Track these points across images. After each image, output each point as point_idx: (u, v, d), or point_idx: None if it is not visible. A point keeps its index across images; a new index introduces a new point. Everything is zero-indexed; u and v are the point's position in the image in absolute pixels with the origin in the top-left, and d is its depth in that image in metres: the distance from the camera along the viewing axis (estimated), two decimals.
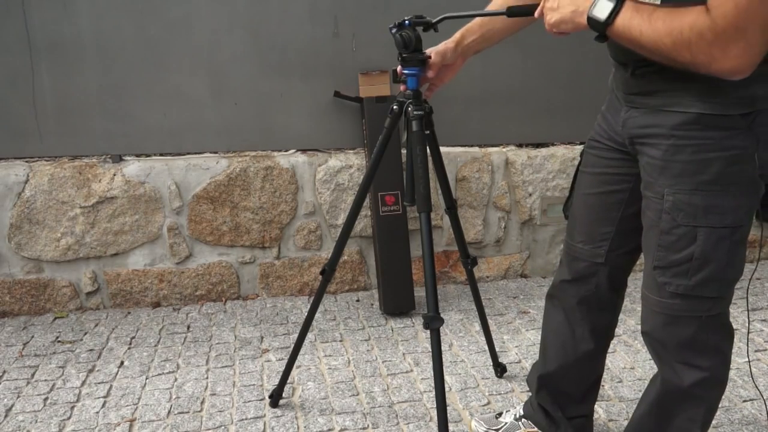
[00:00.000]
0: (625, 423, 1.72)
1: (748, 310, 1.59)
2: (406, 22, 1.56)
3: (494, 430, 1.85)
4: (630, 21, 1.12)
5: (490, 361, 2.27)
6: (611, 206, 1.47)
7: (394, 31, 1.58)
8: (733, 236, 1.24)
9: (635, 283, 2.55)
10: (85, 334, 2.57)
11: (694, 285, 1.27)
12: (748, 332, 1.63)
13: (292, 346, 2.02)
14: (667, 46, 1.08)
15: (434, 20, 1.58)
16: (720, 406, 2.02)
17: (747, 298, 1.77)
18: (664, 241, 1.28)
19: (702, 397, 1.37)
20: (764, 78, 1.15)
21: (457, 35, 1.63)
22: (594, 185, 1.50)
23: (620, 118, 1.37)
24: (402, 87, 1.65)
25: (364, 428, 1.94)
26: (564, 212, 1.63)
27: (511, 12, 1.39)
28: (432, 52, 1.63)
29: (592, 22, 1.17)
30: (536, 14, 1.31)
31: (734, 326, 2.57)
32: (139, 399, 2.10)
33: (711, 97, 1.18)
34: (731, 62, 1.04)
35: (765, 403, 2.02)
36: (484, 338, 2.23)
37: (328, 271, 1.88)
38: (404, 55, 1.59)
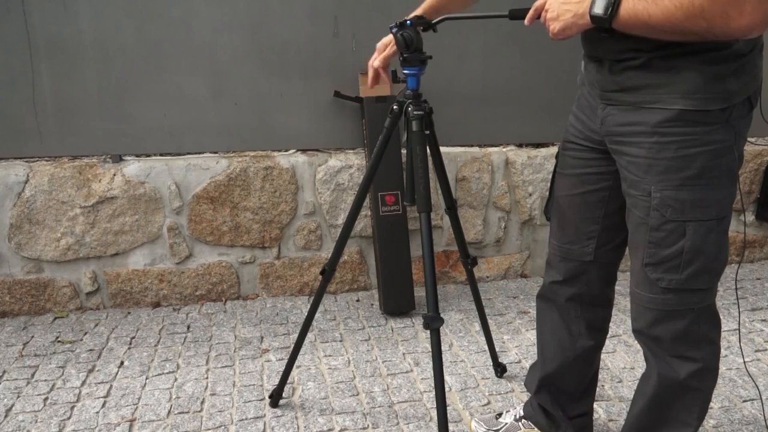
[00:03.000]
0: None
1: (738, 308, 1.59)
2: (408, 22, 1.56)
3: (494, 430, 1.85)
4: (634, 7, 1.13)
5: (490, 361, 2.27)
6: (594, 205, 1.49)
7: (395, 31, 1.58)
8: (719, 227, 1.28)
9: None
10: (85, 334, 2.57)
11: (686, 278, 1.30)
12: (739, 330, 1.63)
13: (292, 346, 2.02)
14: (680, 19, 1.09)
15: (434, 21, 1.58)
16: (720, 406, 2.02)
17: (737, 295, 1.77)
18: (653, 238, 1.30)
19: (698, 388, 1.40)
20: (737, 72, 1.20)
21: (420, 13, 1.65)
22: (574, 186, 1.52)
23: (597, 116, 1.38)
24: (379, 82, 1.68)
25: (364, 428, 1.94)
26: (545, 214, 1.65)
27: (512, 15, 1.40)
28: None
29: (596, 20, 1.18)
30: (527, 22, 1.33)
31: (734, 326, 2.58)
32: (139, 399, 2.10)
33: (692, 93, 1.21)
34: (747, 18, 1.05)
35: (762, 402, 2.02)
36: (484, 338, 2.23)
37: (328, 271, 1.88)
38: (405, 55, 1.60)
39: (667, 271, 1.30)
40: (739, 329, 1.71)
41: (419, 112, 1.62)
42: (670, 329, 1.35)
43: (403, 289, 2.73)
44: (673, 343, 1.36)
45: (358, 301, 2.89)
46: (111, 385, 2.19)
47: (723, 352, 2.33)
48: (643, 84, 1.25)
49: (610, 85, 1.32)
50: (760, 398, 2.05)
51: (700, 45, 1.17)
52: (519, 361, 2.33)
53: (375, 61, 1.71)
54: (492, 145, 3.04)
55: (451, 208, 1.89)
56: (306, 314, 1.97)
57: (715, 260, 1.30)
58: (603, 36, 1.24)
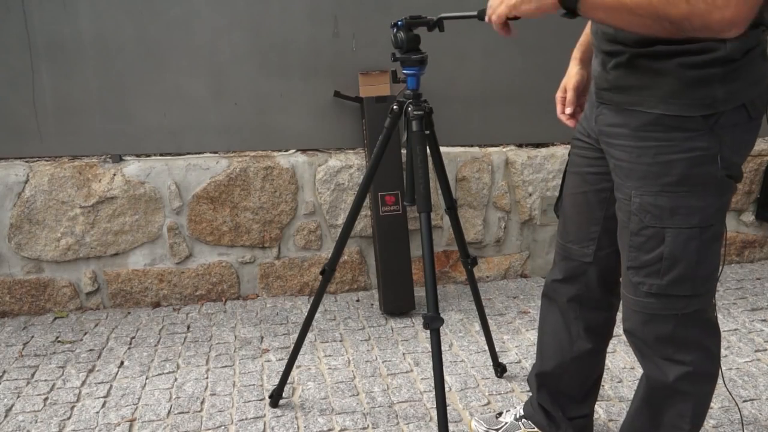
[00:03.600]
0: None
1: (715, 309, 1.58)
2: (399, 22, 1.56)
3: (494, 430, 1.85)
4: None
5: (490, 361, 2.27)
6: (596, 206, 1.49)
7: (394, 31, 1.58)
8: (702, 236, 1.25)
9: None
10: (85, 334, 2.57)
11: (667, 284, 1.28)
12: (728, 332, 1.61)
13: (292, 346, 2.02)
14: (661, 1, 1.00)
15: (433, 21, 1.57)
16: (720, 406, 2.02)
17: (714, 298, 1.76)
18: (634, 242, 1.30)
19: (689, 392, 1.38)
20: (726, 78, 1.16)
21: (578, 56, 1.59)
22: (579, 185, 1.51)
23: (593, 114, 1.38)
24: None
25: (364, 428, 1.94)
26: (555, 212, 1.65)
27: (480, 15, 1.35)
28: (568, 88, 1.60)
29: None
30: (486, 19, 1.26)
31: (734, 326, 2.57)
32: (139, 399, 2.10)
33: (672, 98, 1.18)
34: (732, 10, 0.97)
35: (739, 410, 2.00)
36: (484, 338, 2.23)
37: (328, 271, 1.88)
38: (398, 56, 1.60)
39: (648, 275, 1.29)
40: (740, 329, 1.70)
41: (419, 112, 1.62)
42: (655, 332, 1.34)
43: (403, 289, 2.73)
44: (660, 346, 1.35)
45: (358, 301, 2.89)
46: (111, 385, 2.19)
47: (723, 351, 2.33)
48: (628, 84, 1.24)
49: (603, 83, 1.32)
50: (737, 404, 2.05)
51: (685, 47, 1.14)
52: (519, 361, 2.33)
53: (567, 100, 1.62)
54: (492, 145, 3.04)
55: (451, 208, 1.89)
56: (306, 314, 1.97)
57: (697, 268, 1.27)
58: (603, 30, 1.22)
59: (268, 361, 2.35)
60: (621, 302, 1.42)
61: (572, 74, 1.61)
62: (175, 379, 2.22)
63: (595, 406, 1.82)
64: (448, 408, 1.80)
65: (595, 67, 1.35)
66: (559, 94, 1.65)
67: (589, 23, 1.36)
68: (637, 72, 1.22)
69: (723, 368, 2.22)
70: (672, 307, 1.30)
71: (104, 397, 2.12)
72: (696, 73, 1.16)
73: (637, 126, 1.24)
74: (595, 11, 1.09)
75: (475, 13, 1.37)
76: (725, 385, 1.93)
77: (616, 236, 1.45)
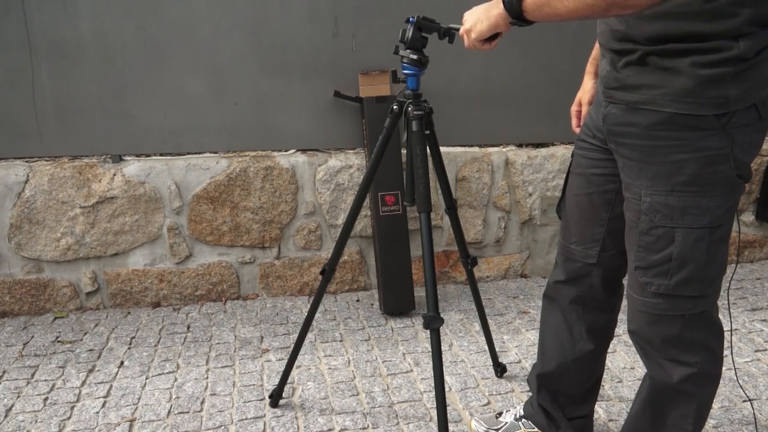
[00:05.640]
0: None
1: (729, 311, 1.59)
2: (411, 18, 1.56)
3: (494, 430, 1.85)
4: None
5: (490, 361, 2.27)
6: (600, 207, 1.48)
7: (408, 25, 1.58)
8: (712, 236, 1.25)
9: None
10: (85, 334, 2.57)
11: (675, 285, 1.28)
12: (731, 332, 1.62)
13: (292, 346, 2.02)
14: None
15: (443, 29, 1.56)
16: (720, 406, 2.02)
17: (728, 298, 1.77)
18: (643, 242, 1.29)
19: (692, 393, 1.38)
20: (738, 78, 1.16)
21: (591, 70, 1.61)
22: (582, 186, 1.51)
23: (601, 113, 1.37)
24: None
25: (364, 428, 1.94)
26: (557, 213, 1.65)
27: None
28: (583, 103, 1.64)
29: (507, 5, 1.19)
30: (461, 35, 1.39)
31: (734, 326, 2.57)
32: (139, 399, 2.10)
33: (685, 97, 1.18)
34: None
35: (752, 406, 2.01)
36: (484, 338, 2.23)
37: (328, 271, 1.88)
38: (400, 51, 1.59)
39: (657, 276, 1.29)
40: (740, 329, 1.71)
41: (419, 112, 1.62)
42: (660, 332, 1.34)
43: (403, 289, 2.73)
44: (665, 346, 1.35)
45: (358, 301, 2.89)
46: (111, 385, 2.19)
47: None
48: (640, 83, 1.24)
49: (612, 82, 1.31)
50: (750, 400, 2.04)
51: (698, 45, 1.15)
52: (519, 361, 2.33)
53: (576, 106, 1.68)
54: (492, 145, 3.04)
55: (451, 208, 1.89)
56: (306, 314, 1.97)
57: (706, 269, 1.27)
58: (613, 28, 1.21)
59: (268, 361, 2.35)
60: (624, 303, 1.41)
61: (587, 89, 1.61)
62: (175, 379, 2.22)
63: (595, 406, 1.82)
64: (448, 408, 1.80)
65: (604, 66, 1.35)
66: (574, 108, 1.65)
67: (597, 27, 1.36)
68: (648, 70, 1.22)
69: (723, 368, 2.22)
70: (679, 308, 1.30)
71: (104, 397, 2.12)
72: (709, 71, 1.15)
73: (648, 125, 1.23)
74: (540, 8, 1.14)
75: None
76: (738, 383, 1.93)
77: (621, 237, 1.44)
